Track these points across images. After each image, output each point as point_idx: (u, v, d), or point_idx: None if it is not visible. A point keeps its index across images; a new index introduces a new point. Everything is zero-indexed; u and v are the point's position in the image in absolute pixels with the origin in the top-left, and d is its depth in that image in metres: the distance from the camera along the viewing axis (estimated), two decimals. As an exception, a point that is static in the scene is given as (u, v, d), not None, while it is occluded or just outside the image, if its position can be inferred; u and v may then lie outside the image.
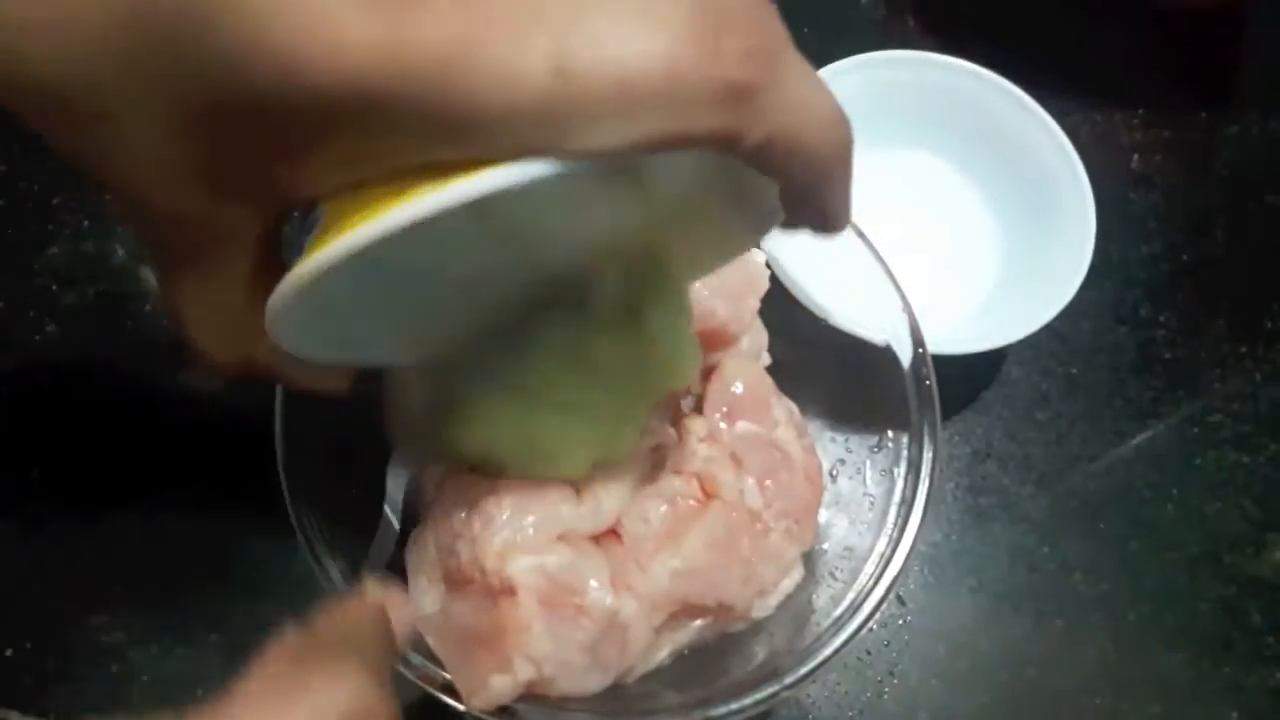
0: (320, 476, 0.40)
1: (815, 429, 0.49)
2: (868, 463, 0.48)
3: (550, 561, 0.36)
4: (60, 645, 0.50)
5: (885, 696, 0.51)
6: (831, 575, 0.45)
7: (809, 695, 0.51)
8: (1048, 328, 0.53)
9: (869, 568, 0.43)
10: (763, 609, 0.42)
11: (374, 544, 0.39)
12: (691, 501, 0.41)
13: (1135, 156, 0.66)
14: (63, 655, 0.50)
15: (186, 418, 0.54)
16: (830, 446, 0.49)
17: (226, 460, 0.53)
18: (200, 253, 0.28)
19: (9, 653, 0.50)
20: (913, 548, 0.42)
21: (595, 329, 0.36)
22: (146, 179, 0.25)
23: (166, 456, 0.53)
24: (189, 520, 0.52)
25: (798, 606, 0.43)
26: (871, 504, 0.46)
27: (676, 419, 0.44)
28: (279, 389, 0.41)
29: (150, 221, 0.27)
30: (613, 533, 0.40)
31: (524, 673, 0.35)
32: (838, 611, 0.41)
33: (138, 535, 0.52)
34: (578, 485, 0.39)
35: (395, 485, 0.40)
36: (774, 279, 0.47)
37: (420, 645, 0.37)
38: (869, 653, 0.52)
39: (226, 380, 0.33)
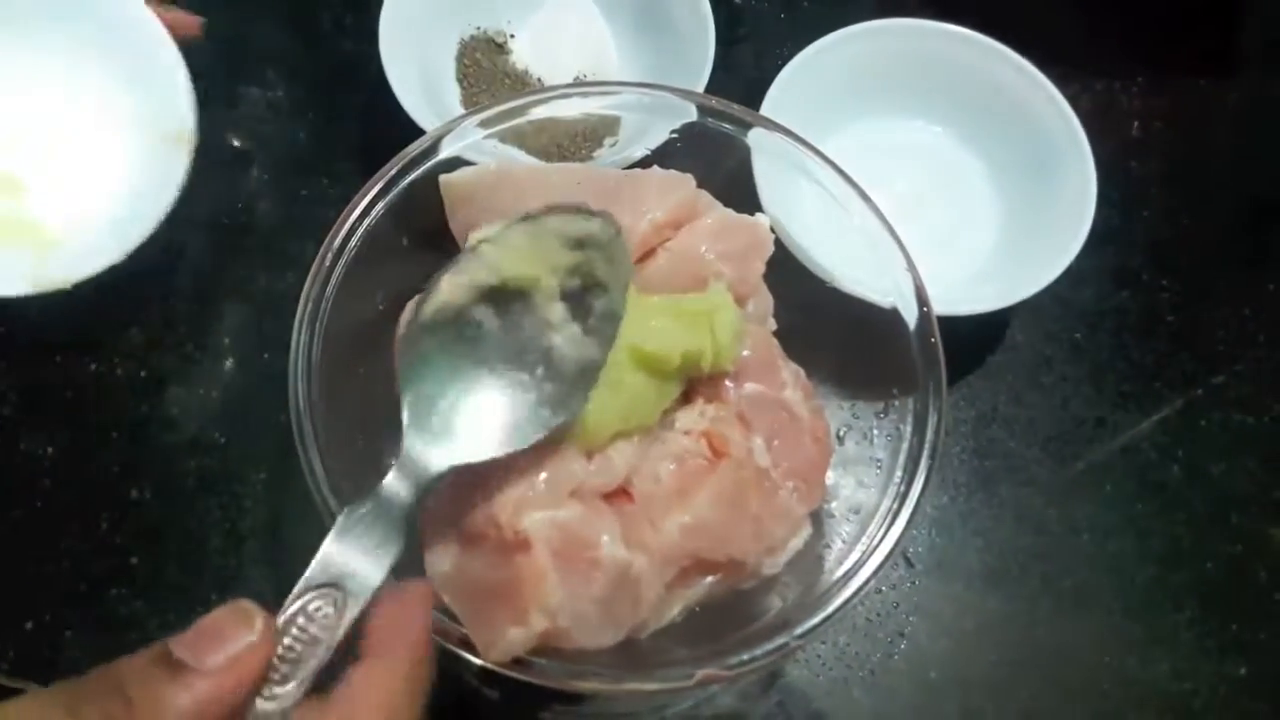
0: (337, 443, 0.41)
1: (822, 394, 0.49)
2: (874, 428, 0.48)
3: (563, 515, 0.37)
4: (79, 616, 0.51)
5: (895, 657, 0.52)
6: (839, 534, 0.45)
7: (820, 656, 0.52)
8: (1051, 293, 0.54)
9: (875, 527, 0.43)
10: (772, 566, 0.43)
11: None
12: (701, 460, 0.41)
13: (1135, 124, 0.66)
14: (82, 626, 0.50)
15: (204, 391, 0.55)
16: (838, 412, 0.50)
17: (244, 430, 0.54)
18: None
19: (29, 625, 0.50)
20: (918, 504, 0.42)
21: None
22: None
23: (183, 429, 0.54)
24: (205, 491, 0.53)
25: (806, 564, 0.44)
26: (879, 466, 0.46)
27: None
28: (296, 364, 0.42)
29: None
30: (624, 492, 0.40)
31: (539, 624, 0.35)
32: (845, 568, 0.42)
33: (155, 506, 0.53)
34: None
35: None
36: (778, 243, 0.47)
37: (436, 601, 0.38)
38: (878, 614, 0.53)
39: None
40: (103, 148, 0.56)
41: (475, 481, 0.38)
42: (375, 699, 0.31)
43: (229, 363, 0.56)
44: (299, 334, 0.43)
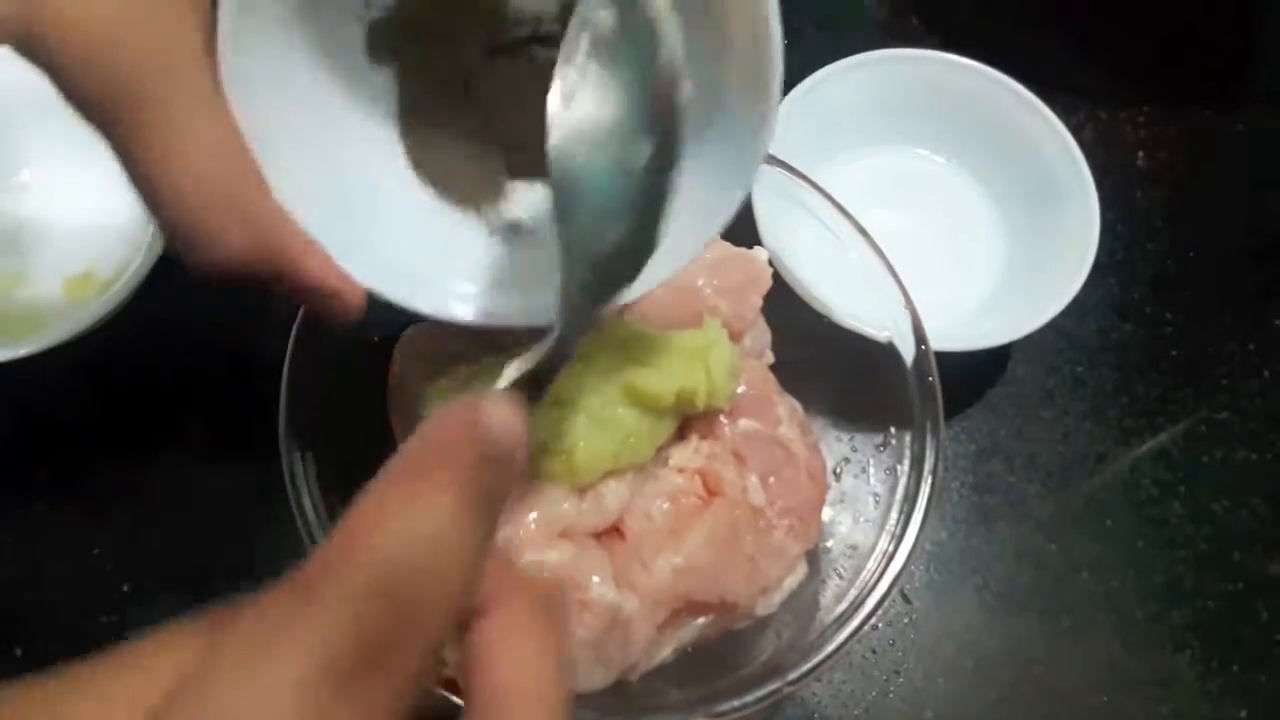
0: (328, 467, 0.41)
1: (819, 428, 0.49)
2: (871, 461, 0.48)
3: (552, 557, 0.36)
4: (71, 644, 0.50)
5: (891, 695, 0.51)
6: (835, 572, 0.45)
7: (815, 694, 0.51)
8: (1053, 326, 0.53)
9: (872, 565, 0.43)
10: (766, 606, 0.42)
11: None
12: (694, 498, 0.41)
13: (1140, 154, 0.66)
14: (74, 654, 0.50)
15: (196, 414, 0.55)
16: (835, 445, 0.50)
17: (238, 457, 0.54)
18: None
19: (18, 652, 0.50)
20: (916, 544, 0.42)
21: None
22: None
23: (177, 453, 0.54)
24: (200, 518, 0.53)
25: (802, 604, 0.43)
26: (876, 502, 0.46)
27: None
28: (288, 385, 0.42)
29: None
30: (616, 530, 0.40)
31: (526, 668, 0.35)
32: (841, 608, 0.41)
33: (148, 534, 0.52)
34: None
35: None
36: (776, 276, 0.47)
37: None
38: (874, 651, 0.52)
39: (229, 282, 0.31)
40: (100, 191, 0.58)
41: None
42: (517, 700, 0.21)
43: (222, 384, 0.55)
44: (292, 354, 0.43)
